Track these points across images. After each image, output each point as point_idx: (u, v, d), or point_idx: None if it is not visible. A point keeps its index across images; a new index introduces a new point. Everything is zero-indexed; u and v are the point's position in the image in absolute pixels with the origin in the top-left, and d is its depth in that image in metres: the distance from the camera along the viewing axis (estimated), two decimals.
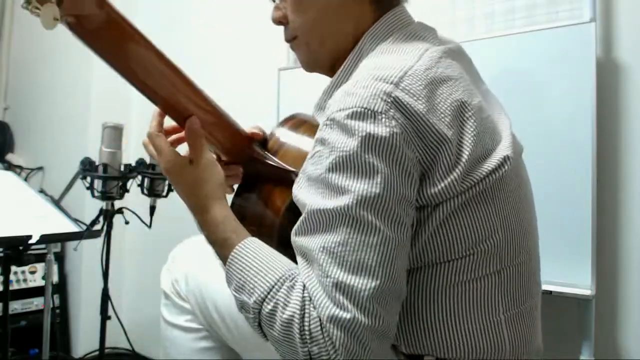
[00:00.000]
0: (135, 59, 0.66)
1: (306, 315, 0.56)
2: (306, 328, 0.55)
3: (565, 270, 1.13)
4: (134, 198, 1.56)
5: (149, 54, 0.67)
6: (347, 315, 0.53)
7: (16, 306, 1.97)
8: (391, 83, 0.58)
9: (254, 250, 0.65)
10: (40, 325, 1.54)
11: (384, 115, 0.56)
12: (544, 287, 1.14)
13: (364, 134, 0.56)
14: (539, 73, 1.20)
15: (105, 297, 1.56)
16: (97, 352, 1.92)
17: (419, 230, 0.61)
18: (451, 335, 0.62)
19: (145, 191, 1.53)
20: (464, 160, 0.59)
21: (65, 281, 2.23)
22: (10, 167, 2.38)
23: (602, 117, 1.16)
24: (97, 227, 1.50)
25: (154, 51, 0.67)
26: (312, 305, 0.56)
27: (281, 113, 1.68)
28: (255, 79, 1.85)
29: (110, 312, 1.57)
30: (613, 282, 1.17)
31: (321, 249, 0.57)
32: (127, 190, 1.53)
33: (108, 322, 1.57)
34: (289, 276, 0.60)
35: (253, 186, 0.82)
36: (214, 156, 0.75)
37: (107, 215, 1.51)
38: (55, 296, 2.14)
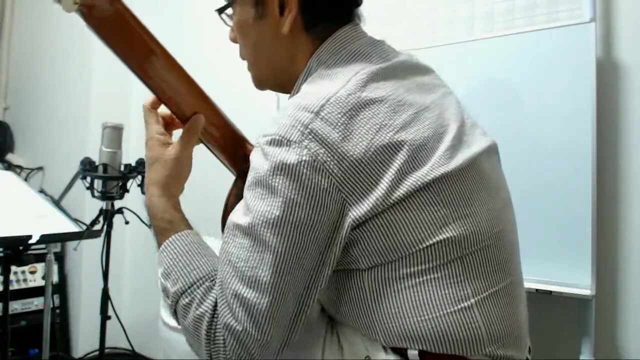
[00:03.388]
0: (142, 54, 0.71)
1: (215, 316, 0.63)
2: (213, 328, 0.62)
3: (565, 270, 1.13)
4: (134, 198, 1.56)
5: (156, 53, 0.72)
6: (239, 327, 0.60)
7: (16, 306, 1.97)
8: (312, 112, 0.62)
9: (186, 245, 0.70)
10: (40, 325, 1.54)
11: (297, 145, 0.61)
12: (544, 287, 1.15)
13: (275, 159, 0.61)
14: (539, 73, 1.20)
15: (105, 297, 1.56)
16: (97, 352, 1.91)
17: (362, 236, 0.63)
18: (422, 326, 0.64)
19: None
20: (388, 179, 0.62)
21: (65, 281, 2.24)
22: (10, 167, 2.38)
23: (602, 117, 1.16)
24: (97, 227, 1.50)
25: (162, 51, 0.72)
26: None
27: None
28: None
29: (110, 312, 1.57)
30: (613, 282, 1.17)
31: (228, 261, 0.63)
32: (127, 190, 1.53)
33: (108, 322, 1.58)
34: (210, 277, 0.66)
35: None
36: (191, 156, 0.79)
37: (107, 215, 1.52)
38: (55, 296, 2.15)
